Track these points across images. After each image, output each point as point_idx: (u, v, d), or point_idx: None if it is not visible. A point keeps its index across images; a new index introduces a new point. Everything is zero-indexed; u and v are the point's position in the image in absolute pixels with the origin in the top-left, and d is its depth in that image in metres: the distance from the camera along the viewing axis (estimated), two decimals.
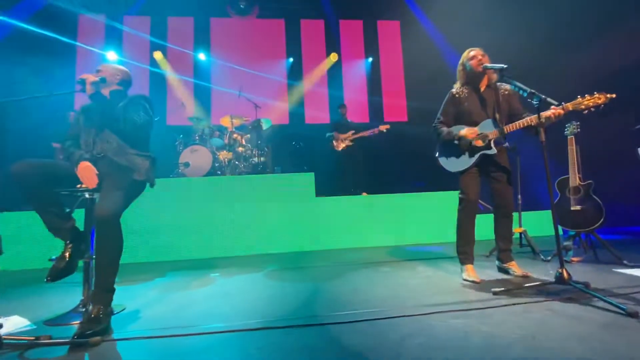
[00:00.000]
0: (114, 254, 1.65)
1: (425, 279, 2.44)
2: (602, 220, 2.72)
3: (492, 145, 2.33)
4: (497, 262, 2.53)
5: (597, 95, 1.94)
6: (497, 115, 2.37)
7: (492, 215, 2.50)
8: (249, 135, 5.54)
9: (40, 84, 5.91)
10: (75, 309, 1.87)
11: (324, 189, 4.78)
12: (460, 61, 2.46)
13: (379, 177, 6.65)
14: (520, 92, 2.02)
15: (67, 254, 1.75)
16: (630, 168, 3.70)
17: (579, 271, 2.45)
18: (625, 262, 2.60)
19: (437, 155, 2.55)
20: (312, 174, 4.44)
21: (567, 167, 2.88)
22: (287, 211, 4.24)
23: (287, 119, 7.33)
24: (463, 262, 2.40)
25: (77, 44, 6.67)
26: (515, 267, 2.40)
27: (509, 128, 2.25)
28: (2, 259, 3.51)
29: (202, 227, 4.04)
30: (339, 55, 7.64)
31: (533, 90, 1.95)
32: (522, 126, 2.20)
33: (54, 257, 1.76)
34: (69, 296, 2.25)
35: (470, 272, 2.32)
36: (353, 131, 5.50)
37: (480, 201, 2.49)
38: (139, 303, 2.09)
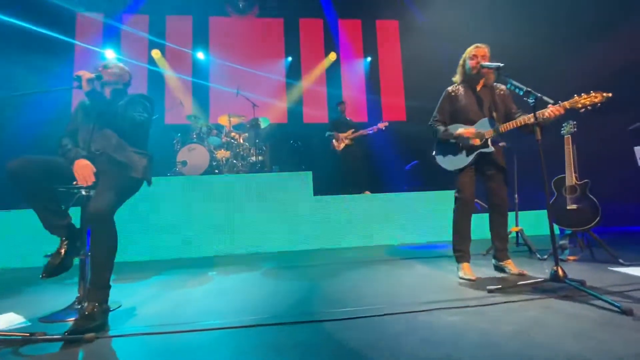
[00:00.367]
0: (109, 250, 1.65)
1: (422, 277, 2.44)
2: (598, 219, 2.73)
3: (489, 143, 2.33)
4: (493, 261, 2.53)
5: (593, 94, 1.95)
6: (494, 115, 2.38)
7: (487, 214, 2.50)
8: (246, 134, 5.53)
9: (39, 82, 5.89)
10: (70, 306, 1.87)
11: (321, 188, 4.78)
12: (463, 56, 2.44)
13: (377, 176, 6.66)
14: (517, 90, 2.03)
15: (62, 251, 1.74)
16: (626, 167, 3.71)
17: (575, 270, 2.46)
18: (621, 260, 2.61)
19: (434, 153, 2.55)
20: (310, 172, 4.44)
21: (564, 166, 2.89)
22: (285, 210, 4.24)
23: (285, 118, 7.33)
24: (459, 261, 2.40)
25: (76, 42, 6.65)
26: (512, 266, 2.41)
27: (505, 127, 2.26)
28: None
29: (199, 225, 4.04)
30: (338, 54, 7.64)
31: (529, 89, 1.95)
32: (518, 125, 2.21)
33: (49, 253, 1.75)
34: (64, 293, 2.25)
35: (467, 270, 2.32)
36: (353, 130, 5.48)
37: (476, 200, 2.49)
38: (135, 300, 2.09)
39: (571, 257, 2.85)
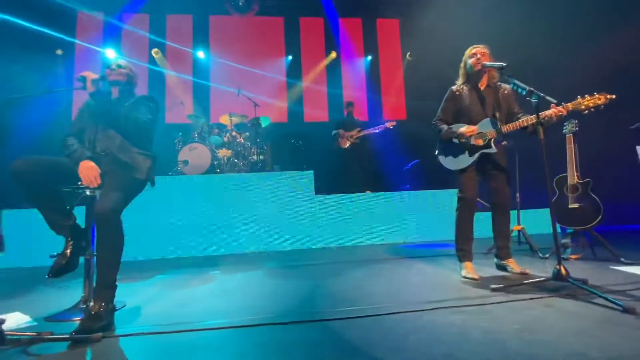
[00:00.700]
0: (115, 250, 1.66)
1: (425, 276, 2.45)
2: (600, 218, 2.74)
3: (492, 144, 2.34)
4: (495, 260, 2.54)
5: (597, 96, 1.96)
6: (497, 115, 2.39)
7: (490, 214, 2.51)
8: (247, 134, 5.54)
9: (39, 82, 5.89)
10: (76, 305, 1.88)
11: (323, 187, 4.79)
12: (463, 58, 2.47)
13: (378, 176, 6.66)
14: (519, 90, 2.03)
15: (68, 251, 1.75)
16: (628, 166, 3.72)
17: (577, 268, 2.47)
18: (622, 259, 2.61)
19: (436, 153, 2.56)
20: (312, 171, 4.45)
21: (566, 165, 2.89)
22: (287, 209, 4.25)
23: (286, 117, 7.33)
24: (462, 260, 2.41)
25: (76, 41, 6.65)
26: (514, 265, 2.42)
27: (508, 128, 2.27)
28: (4, 257, 3.52)
29: (201, 225, 4.05)
30: (338, 53, 7.63)
31: (532, 88, 1.96)
32: (521, 126, 2.21)
33: (55, 254, 1.77)
34: (70, 293, 2.26)
35: (469, 270, 2.33)
36: (359, 129, 5.50)
37: (478, 199, 2.50)
38: (140, 300, 2.10)
39: (573, 256, 2.86)
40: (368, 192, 4.94)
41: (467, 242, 2.42)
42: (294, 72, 7.50)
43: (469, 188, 2.39)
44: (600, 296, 1.67)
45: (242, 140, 5.38)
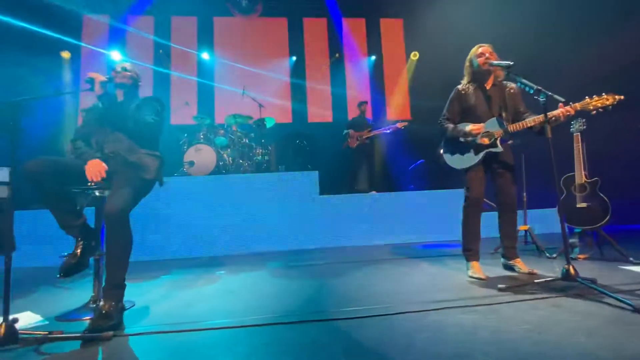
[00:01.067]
0: (124, 250, 1.68)
1: (431, 276, 2.45)
2: (608, 217, 2.72)
3: (498, 143, 2.33)
4: (502, 260, 2.53)
5: (605, 96, 1.94)
6: (503, 114, 2.38)
7: (497, 213, 2.50)
8: (252, 134, 5.56)
9: (46, 84, 5.96)
10: (86, 305, 1.90)
11: (328, 187, 4.79)
12: (468, 57, 2.46)
13: (383, 176, 6.66)
14: (527, 89, 2.02)
15: (78, 251, 1.77)
16: (636, 165, 3.68)
17: (585, 268, 2.45)
18: (631, 259, 2.59)
19: (442, 152, 2.55)
20: (317, 172, 4.45)
21: (573, 164, 2.87)
22: (291, 209, 4.26)
23: (290, 117, 7.35)
24: (469, 259, 2.40)
25: (82, 44, 6.72)
26: (521, 264, 2.40)
27: (514, 127, 2.26)
28: (15, 256, 3.55)
29: (207, 225, 4.07)
30: (342, 53, 7.62)
31: (539, 87, 1.95)
32: (528, 125, 2.20)
33: (65, 253, 1.79)
34: (79, 292, 2.28)
35: (476, 269, 2.33)
36: (369, 129, 5.51)
37: (485, 199, 2.49)
38: (148, 299, 2.12)
39: (581, 256, 2.84)
40: (373, 193, 4.93)
41: (474, 241, 2.41)
42: (298, 72, 7.51)
43: (475, 187, 2.38)
44: (611, 296, 1.66)
45: (247, 141, 5.40)
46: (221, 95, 7.14)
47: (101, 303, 1.62)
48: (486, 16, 5.65)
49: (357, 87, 7.62)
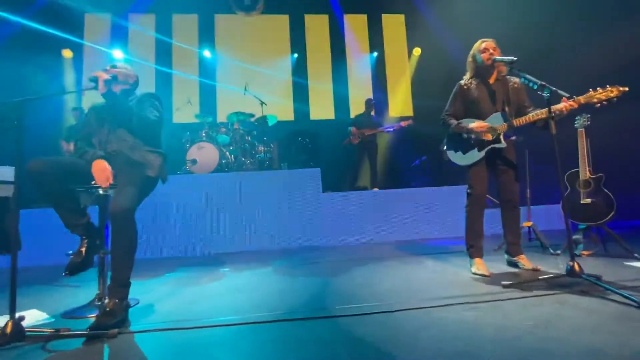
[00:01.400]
0: (129, 248, 1.69)
1: (435, 273, 2.44)
2: (612, 213, 2.70)
3: (501, 138, 2.32)
4: (506, 256, 2.52)
5: (609, 88, 1.92)
6: (507, 109, 2.36)
7: (500, 210, 2.49)
8: (255, 132, 5.56)
9: (47, 82, 5.98)
10: (91, 302, 1.92)
11: (330, 185, 4.79)
12: (471, 52, 2.44)
13: (385, 173, 6.65)
14: (530, 84, 2.01)
15: (83, 250, 1.79)
16: None
17: (589, 265, 2.44)
18: (636, 255, 2.57)
19: (444, 148, 2.54)
20: (319, 169, 4.45)
21: (577, 160, 2.85)
22: (294, 207, 4.26)
23: (292, 115, 7.34)
24: (472, 256, 2.40)
25: (84, 42, 6.73)
26: (525, 261, 2.40)
27: (519, 122, 2.24)
28: (21, 255, 3.59)
29: (211, 223, 4.08)
30: (344, 50, 7.60)
31: (543, 83, 1.93)
32: (532, 120, 2.18)
33: (71, 252, 1.80)
34: (85, 290, 2.30)
35: (480, 266, 2.32)
36: (370, 127, 5.50)
37: (488, 196, 2.48)
38: (152, 297, 2.13)
39: (585, 252, 2.82)
40: (376, 190, 4.93)
41: (477, 238, 2.41)
42: (300, 69, 7.49)
43: (478, 183, 2.37)
44: (616, 292, 1.65)
45: (249, 139, 5.40)
46: (223, 93, 7.14)
47: (106, 301, 1.63)
48: (489, 10, 5.60)
49: (359, 84, 7.60)
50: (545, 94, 1.91)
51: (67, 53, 6.58)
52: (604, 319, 1.41)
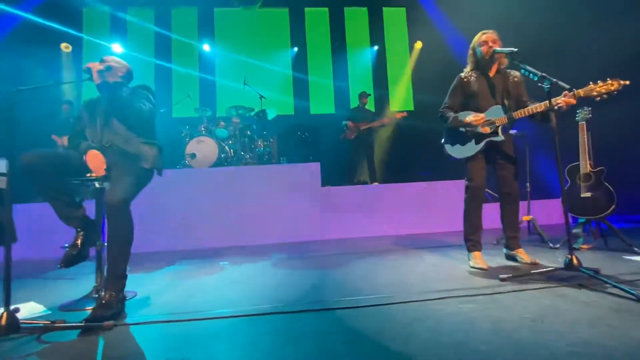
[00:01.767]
0: (125, 240, 1.68)
1: (433, 266, 2.44)
2: (613, 207, 2.68)
3: (499, 132, 2.29)
4: (504, 250, 2.51)
5: (610, 81, 1.90)
6: (506, 102, 2.34)
7: (499, 204, 2.48)
8: (254, 126, 5.54)
9: (47, 76, 5.96)
10: (88, 295, 1.92)
11: (330, 179, 4.78)
12: (471, 45, 2.41)
13: (385, 167, 6.63)
14: (531, 76, 1.98)
15: (78, 242, 1.78)
16: None
17: (588, 258, 2.43)
18: (636, 249, 2.56)
19: (442, 141, 2.52)
20: (318, 163, 4.44)
21: (578, 153, 2.83)
22: (293, 201, 4.25)
23: (292, 109, 7.31)
24: (470, 250, 2.39)
25: (84, 36, 6.69)
26: (523, 254, 2.39)
27: (519, 114, 2.21)
28: (20, 248, 3.59)
29: (210, 217, 4.08)
30: (344, 43, 7.54)
31: (544, 74, 1.90)
32: (532, 112, 2.16)
33: (66, 245, 1.80)
34: (83, 283, 2.31)
35: (478, 260, 2.31)
36: (367, 121, 5.46)
37: (487, 190, 2.46)
38: (150, 290, 2.13)
39: (584, 246, 2.81)
40: (376, 184, 4.91)
41: (476, 231, 2.40)
42: (300, 63, 7.44)
43: (476, 176, 2.36)
44: (614, 285, 1.64)
45: (249, 133, 5.38)
46: (222, 87, 7.11)
47: (102, 293, 1.63)
48: (491, 3, 5.53)
49: (359, 78, 7.55)
50: (546, 86, 1.88)
51: (66, 47, 6.53)
52: (601, 313, 1.40)
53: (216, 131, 5.26)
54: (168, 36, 7.01)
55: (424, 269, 2.37)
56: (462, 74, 2.44)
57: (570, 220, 3.05)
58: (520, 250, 2.42)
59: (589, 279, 1.80)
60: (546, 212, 4.45)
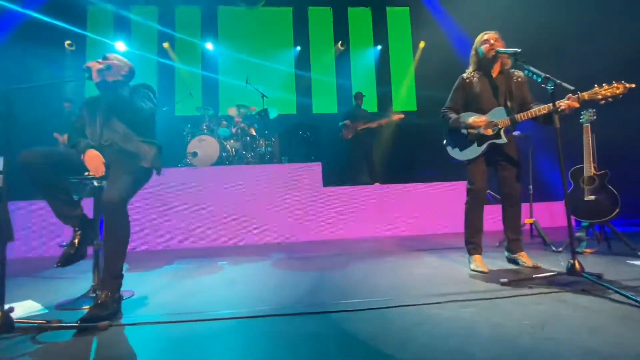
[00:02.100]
0: (122, 239, 1.67)
1: (433, 269, 2.41)
2: (617, 210, 2.64)
3: (502, 134, 2.26)
4: (506, 253, 2.48)
5: (615, 84, 1.86)
6: (509, 103, 2.30)
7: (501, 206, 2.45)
8: (256, 125, 5.53)
9: (51, 74, 5.98)
10: (86, 294, 1.92)
11: (331, 179, 4.76)
12: (474, 45, 2.38)
13: (387, 167, 6.60)
14: (534, 77, 1.94)
15: (76, 241, 1.78)
16: None
17: (591, 263, 2.39)
18: (639, 253, 2.52)
19: (444, 143, 2.49)
20: (320, 163, 4.42)
21: (582, 155, 2.79)
22: (295, 201, 4.24)
23: (294, 108, 7.29)
24: (471, 253, 2.36)
25: (88, 34, 6.71)
26: (525, 258, 2.35)
27: (521, 117, 2.18)
28: (19, 247, 3.61)
29: (210, 216, 4.08)
30: (348, 43, 7.51)
31: (548, 75, 1.87)
32: (535, 115, 2.12)
33: (64, 243, 1.79)
34: (81, 282, 2.30)
35: (479, 263, 2.28)
36: (364, 121, 5.42)
37: (489, 191, 2.43)
38: (148, 289, 2.12)
39: (588, 250, 2.77)
40: (377, 184, 4.88)
41: (477, 234, 2.37)
42: (303, 63, 7.42)
43: (478, 179, 2.33)
44: (617, 292, 1.61)
45: (252, 132, 5.37)
46: (225, 86, 7.10)
47: (98, 293, 1.62)
48: (495, 3, 5.48)
49: (362, 78, 7.52)
50: (549, 87, 1.85)
51: (70, 45, 6.54)
52: (603, 320, 1.37)
53: (218, 130, 5.26)
54: (171, 34, 7.01)
55: (423, 271, 2.35)
56: (464, 75, 2.41)
57: (574, 223, 3.02)
58: (522, 253, 2.39)
59: (592, 285, 1.77)
60: (549, 214, 4.40)
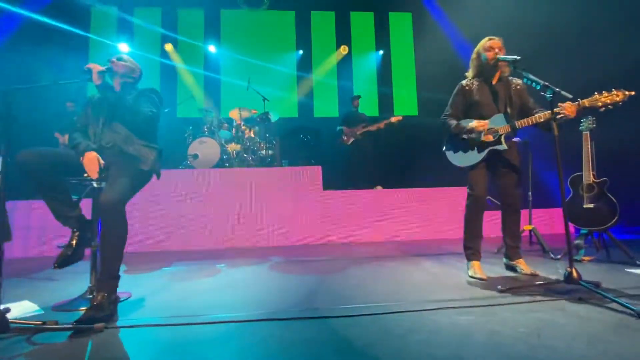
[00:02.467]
0: (119, 241, 1.67)
1: (431, 275, 2.41)
2: (616, 218, 2.64)
3: (503, 140, 2.26)
4: (504, 260, 2.48)
5: (615, 92, 1.86)
6: (509, 110, 2.30)
7: (500, 212, 2.44)
8: (257, 128, 5.54)
9: (54, 75, 6.00)
10: (83, 295, 1.91)
11: (331, 183, 4.76)
12: (476, 49, 2.37)
13: (388, 171, 6.60)
14: (533, 85, 1.95)
15: (73, 242, 1.78)
16: None
17: (590, 271, 2.38)
18: (638, 262, 2.52)
19: (444, 149, 2.49)
20: (320, 167, 4.43)
21: (581, 163, 2.79)
22: (294, 204, 4.24)
23: (296, 111, 7.31)
24: (470, 259, 2.36)
25: (90, 35, 6.75)
26: (523, 265, 2.35)
27: (521, 123, 2.18)
28: (16, 247, 3.61)
29: (209, 218, 4.07)
30: (350, 47, 7.54)
31: (546, 83, 1.88)
32: (534, 122, 2.13)
33: (62, 244, 1.79)
34: (78, 283, 2.30)
35: (477, 269, 2.28)
36: (363, 124, 5.42)
37: (489, 197, 2.43)
38: (145, 291, 2.12)
39: (586, 258, 2.76)
40: (379, 188, 4.88)
41: (476, 240, 2.36)
42: (305, 66, 7.44)
43: (478, 185, 2.32)
44: (614, 300, 1.60)
45: (252, 135, 5.38)
46: (227, 88, 7.13)
47: (95, 294, 1.62)
48: (497, 9, 5.51)
49: (364, 82, 7.54)
50: (548, 95, 1.86)
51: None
52: (600, 329, 1.37)
53: (219, 132, 5.27)
54: (174, 37, 7.05)
55: (422, 277, 2.34)
56: (464, 82, 2.41)
57: (573, 231, 3.01)
58: (521, 260, 2.38)
59: (589, 293, 1.76)
60: (548, 221, 4.39)
